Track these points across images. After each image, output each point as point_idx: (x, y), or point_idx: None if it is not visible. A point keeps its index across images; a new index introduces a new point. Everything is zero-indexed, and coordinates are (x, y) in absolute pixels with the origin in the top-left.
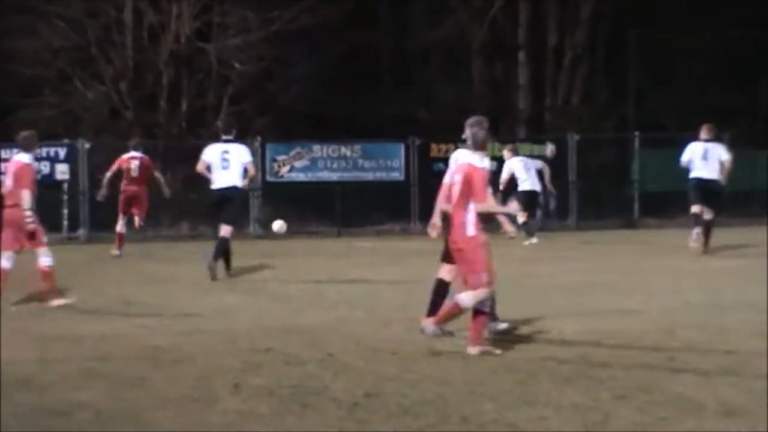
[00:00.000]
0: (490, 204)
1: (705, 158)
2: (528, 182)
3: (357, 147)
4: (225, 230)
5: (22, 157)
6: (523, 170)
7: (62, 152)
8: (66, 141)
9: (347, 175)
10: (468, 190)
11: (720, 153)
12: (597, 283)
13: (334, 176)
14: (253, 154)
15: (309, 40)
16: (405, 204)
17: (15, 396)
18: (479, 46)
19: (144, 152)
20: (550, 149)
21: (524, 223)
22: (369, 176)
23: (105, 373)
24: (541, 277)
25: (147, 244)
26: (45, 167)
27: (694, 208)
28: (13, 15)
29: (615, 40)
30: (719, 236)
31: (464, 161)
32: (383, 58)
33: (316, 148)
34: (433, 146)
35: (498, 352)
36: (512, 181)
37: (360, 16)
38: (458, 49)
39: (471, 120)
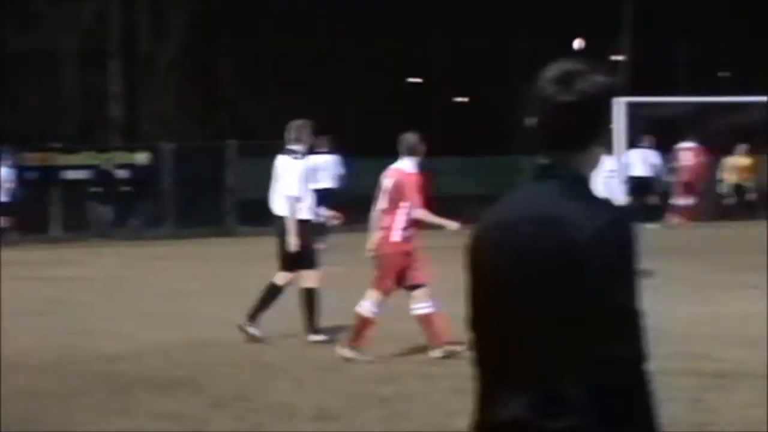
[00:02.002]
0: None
1: None
2: None
3: None
4: None
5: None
6: None
7: None
8: None
9: None
10: (399, 196)
11: None
12: (194, 291)
13: None
14: None
15: None
16: None
17: None
18: (69, 54)
19: None
20: None
21: None
22: None
23: None
24: (138, 284)
25: None
26: None
27: None
28: None
29: (208, 49)
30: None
31: (395, 167)
32: None
33: None
34: (26, 155)
35: (368, 359)
36: None
37: None
38: (48, 56)
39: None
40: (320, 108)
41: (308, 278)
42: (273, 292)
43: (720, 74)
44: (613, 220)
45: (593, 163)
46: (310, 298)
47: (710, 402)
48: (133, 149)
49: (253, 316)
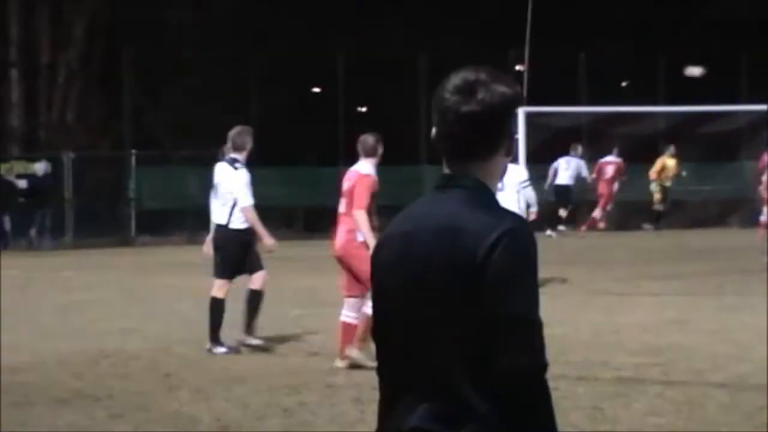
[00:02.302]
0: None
1: None
2: None
3: None
4: None
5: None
6: None
7: None
8: None
9: None
10: (350, 198)
11: None
12: (94, 301)
13: None
14: None
15: None
16: None
17: None
18: None
19: None
20: None
21: None
22: None
23: None
24: (37, 294)
25: None
26: None
27: None
28: None
29: (110, 58)
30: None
31: (353, 168)
32: None
33: None
34: None
35: (371, 364)
36: None
37: None
38: None
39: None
40: (223, 118)
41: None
42: (255, 298)
43: (621, 83)
44: (513, 229)
45: (497, 173)
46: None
47: (610, 410)
48: (33, 159)
49: (249, 327)
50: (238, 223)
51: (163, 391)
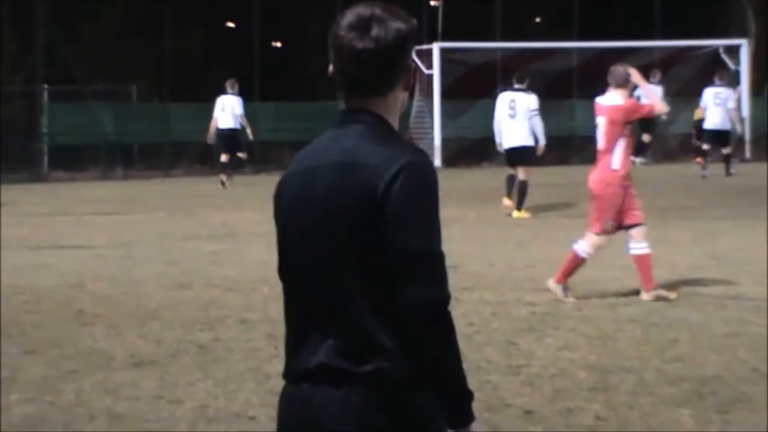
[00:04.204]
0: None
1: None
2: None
3: None
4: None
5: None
6: None
7: None
8: None
9: None
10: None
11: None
12: (5, 237)
13: None
14: None
15: None
16: None
17: None
18: None
19: None
20: None
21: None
22: None
23: None
24: None
25: None
26: None
27: None
28: None
29: None
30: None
31: (605, 102)
32: None
33: None
34: None
35: (673, 296)
36: None
37: None
38: None
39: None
40: (137, 53)
41: None
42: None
43: (536, 19)
44: (412, 162)
45: (395, 108)
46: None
47: (524, 345)
48: None
49: None
50: None
51: (76, 327)
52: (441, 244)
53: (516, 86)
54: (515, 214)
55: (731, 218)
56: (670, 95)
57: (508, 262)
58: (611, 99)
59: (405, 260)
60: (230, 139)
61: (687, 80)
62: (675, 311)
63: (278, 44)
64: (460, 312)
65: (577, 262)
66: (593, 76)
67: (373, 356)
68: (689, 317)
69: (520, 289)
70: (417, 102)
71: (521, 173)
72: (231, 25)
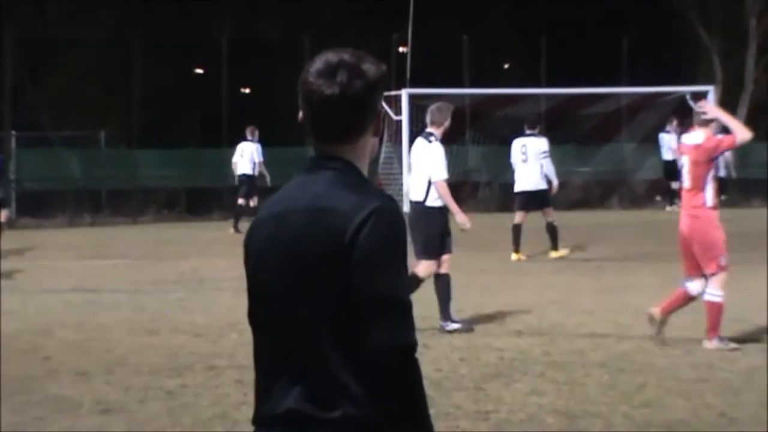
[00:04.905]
0: None
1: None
2: None
3: None
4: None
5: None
6: None
7: None
8: None
9: None
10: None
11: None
12: None
13: None
14: None
15: None
16: None
17: None
18: None
19: None
20: None
21: None
22: None
23: None
24: None
25: None
26: None
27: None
28: None
29: None
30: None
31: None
32: None
33: None
34: None
35: (733, 345)
36: None
37: None
38: None
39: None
40: (105, 98)
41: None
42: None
43: (504, 65)
44: (380, 209)
45: (365, 153)
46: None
47: (492, 391)
48: None
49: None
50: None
51: (43, 373)
52: (408, 291)
53: (528, 132)
54: (553, 254)
55: None
56: (636, 141)
57: (476, 308)
58: (694, 138)
59: (372, 306)
60: (248, 184)
61: (653, 127)
62: (643, 356)
63: (247, 90)
64: (428, 357)
65: (717, 309)
66: (561, 121)
67: (341, 402)
68: (656, 362)
69: (488, 334)
70: (386, 148)
71: (547, 215)
72: (199, 71)
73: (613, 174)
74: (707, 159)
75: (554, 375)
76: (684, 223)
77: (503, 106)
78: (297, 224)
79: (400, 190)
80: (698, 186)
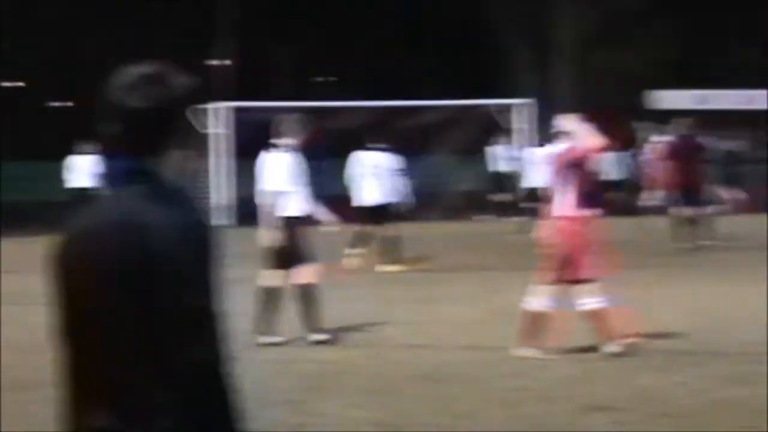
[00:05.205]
0: None
1: None
2: None
3: None
4: None
5: None
6: None
7: None
8: None
9: None
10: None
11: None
12: None
13: None
14: None
15: None
16: None
17: None
18: None
19: None
20: None
21: None
22: None
23: None
24: None
25: None
26: None
27: None
28: None
29: None
30: None
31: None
32: None
33: None
34: None
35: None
36: None
37: None
38: None
39: None
40: None
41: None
42: (271, 295)
43: (318, 79)
44: (191, 223)
45: (175, 167)
46: (307, 294)
47: (311, 403)
48: None
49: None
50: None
51: None
52: (219, 304)
53: (371, 145)
54: (385, 267)
55: (510, 273)
56: (453, 153)
57: (292, 320)
58: (555, 148)
59: (183, 319)
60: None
61: (470, 139)
62: (459, 367)
63: (69, 104)
64: (244, 370)
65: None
66: (380, 133)
67: (155, 418)
68: (473, 372)
69: (306, 347)
70: (200, 161)
71: (386, 230)
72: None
73: (431, 186)
74: (567, 167)
75: (374, 387)
76: (548, 232)
77: (325, 119)
78: (106, 240)
79: (219, 203)
80: (562, 194)
